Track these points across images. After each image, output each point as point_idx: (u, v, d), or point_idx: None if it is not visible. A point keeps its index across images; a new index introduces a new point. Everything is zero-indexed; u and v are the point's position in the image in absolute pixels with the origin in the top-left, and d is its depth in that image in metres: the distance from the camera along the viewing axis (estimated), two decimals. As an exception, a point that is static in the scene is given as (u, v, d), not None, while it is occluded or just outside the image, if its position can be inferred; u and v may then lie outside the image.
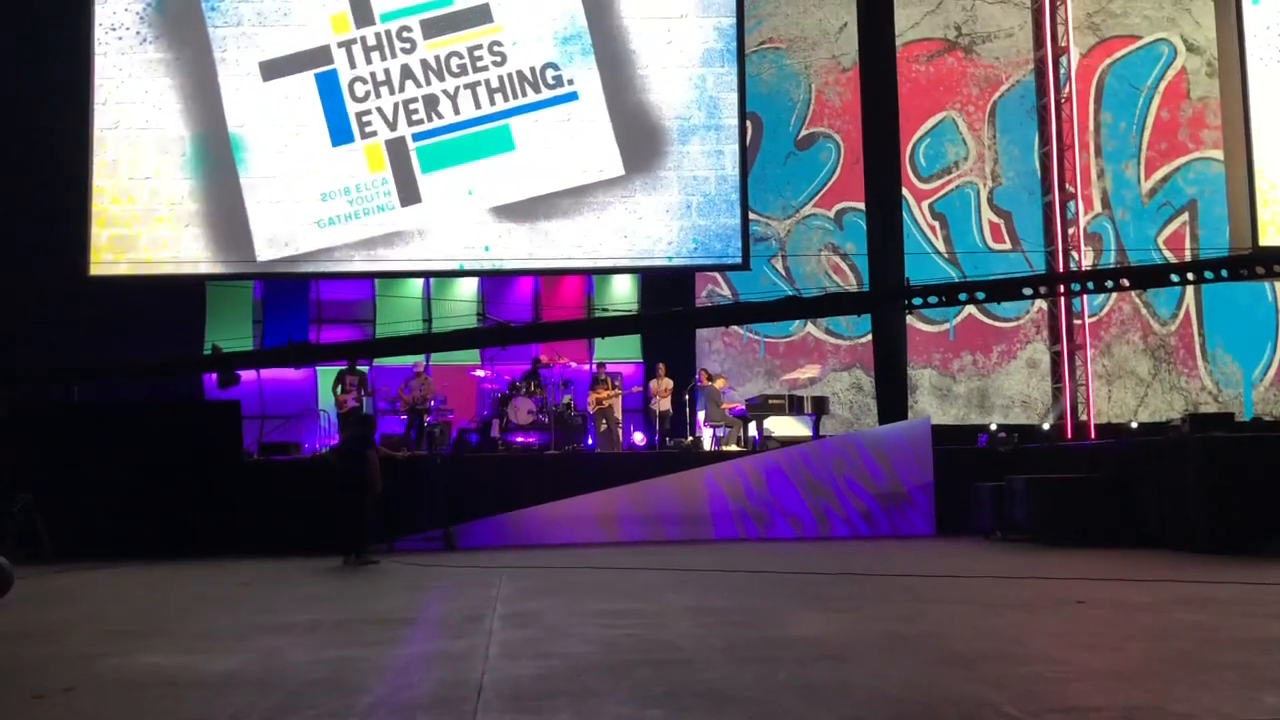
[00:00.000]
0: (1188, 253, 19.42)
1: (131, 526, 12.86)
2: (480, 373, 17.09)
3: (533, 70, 17.88)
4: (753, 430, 16.17)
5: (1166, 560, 9.90)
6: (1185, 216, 19.89)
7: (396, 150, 17.60)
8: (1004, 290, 12.50)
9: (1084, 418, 18.84)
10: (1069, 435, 18.42)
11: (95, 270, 17.21)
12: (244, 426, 14.54)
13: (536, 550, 12.76)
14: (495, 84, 17.81)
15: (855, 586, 8.63)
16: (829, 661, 5.15)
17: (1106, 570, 9.16)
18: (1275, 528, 10.35)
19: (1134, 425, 18.14)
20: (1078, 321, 19.16)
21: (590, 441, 16.00)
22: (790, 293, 18.40)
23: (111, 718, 4.24)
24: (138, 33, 17.63)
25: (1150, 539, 11.26)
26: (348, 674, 5.04)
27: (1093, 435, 18.30)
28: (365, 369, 16.41)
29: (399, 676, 5.16)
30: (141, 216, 17.37)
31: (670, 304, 17.71)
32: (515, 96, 17.80)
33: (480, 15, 17.91)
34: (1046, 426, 18.48)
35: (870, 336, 18.15)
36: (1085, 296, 18.59)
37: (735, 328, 18.61)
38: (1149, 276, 13.42)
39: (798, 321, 18.84)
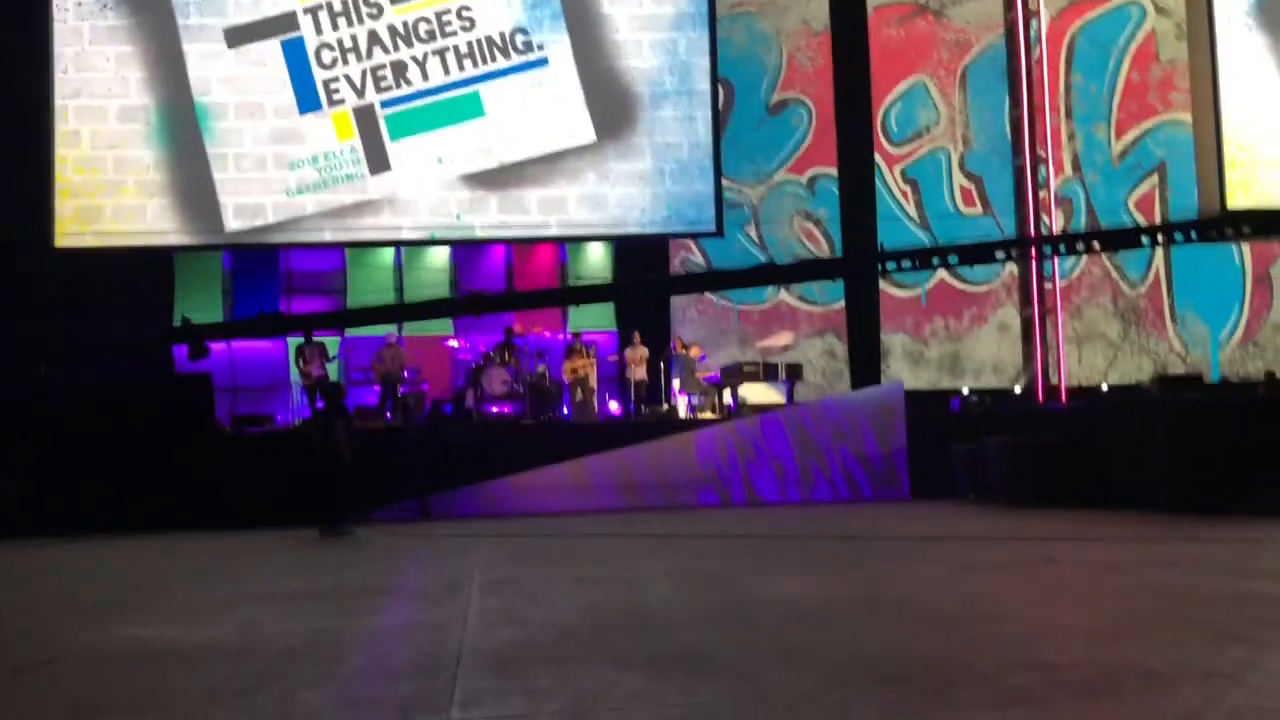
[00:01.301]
0: (1157, 215, 19.57)
1: (107, 500, 12.78)
2: (453, 343, 17.03)
3: (502, 36, 17.70)
4: (728, 398, 16.22)
5: (1135, 520, 10.05)
6: (1155, 179, 20.02)
7: (365, 118, 17.41)
8: (976, 254, 12.59)
9: (1055, 381, 19.00)
10: (1040, 398, 18.59)
11: (61, 242, 16.96)
12: (216, 399, 14.47)
13: (514, 519, 12.79)
14: (464, 50, 17.63)
15: (833, 549, 8.72)
16: (807, 624, 5.21)
17: (1077, 531, 9.30)
18: (1241, 487, 10.51)
19: (1104, 388, 18.34)
20: (1048, 285, 19.28)
21: (565, 411, 16.01)
22: (763, 260, 18.43)
23: (91, 690, 4.24)
24: (98, -2, 17.30)
25: (1120, 500, 11.41)
26: (327, 643, 5.06)
27: (1063, 398, 18.48)
28: (325, 339, 16.24)
29: (379, 645, 5.18)
30: (107, 187, 17.12)
31: (644, 272, 17.69)
32: (485, 62, 17.64)
33: (448, -20, 17.69)
34: (1018, 390, 18.64)
35: (843, 303, 18.22)
36: (1056, 260, 18.72)
37: (709, 295, 18.62)
38: (1119, 239, 13.53)
39: (771, 288, 18.87)
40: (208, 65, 17.29)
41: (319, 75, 17.38)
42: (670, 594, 6.37)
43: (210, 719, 3.73)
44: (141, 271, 17.16)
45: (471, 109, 17.57)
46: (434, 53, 17.55)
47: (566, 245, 18.65)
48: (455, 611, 5.84)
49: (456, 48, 17.61)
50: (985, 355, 19.56)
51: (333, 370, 15.98)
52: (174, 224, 17.19)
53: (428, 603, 6.50)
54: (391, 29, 17.50)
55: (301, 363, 15.70)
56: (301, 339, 15.87)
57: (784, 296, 19.09)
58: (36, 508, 12.54)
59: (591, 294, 16.25)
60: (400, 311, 16.22)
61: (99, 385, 13.83)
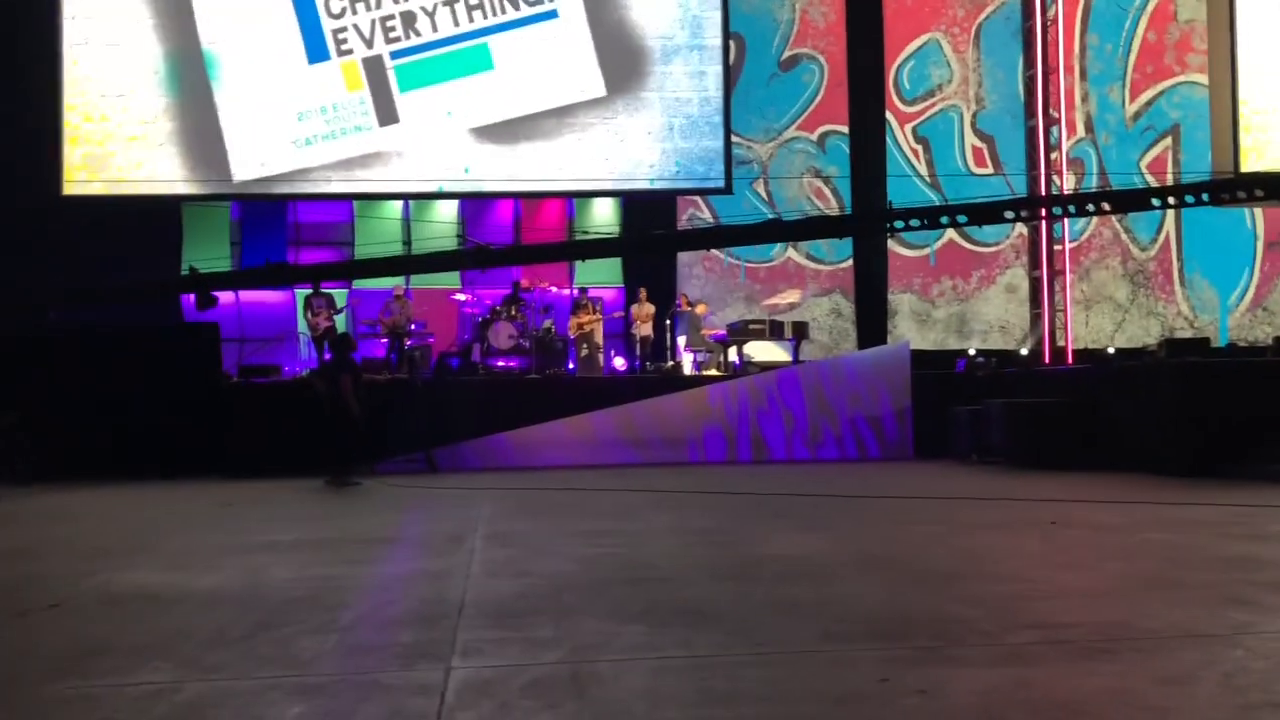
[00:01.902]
0: (1170, 177, 19.40)
1: (112, 448, 12.85)
2: (461, 297, 17.02)
3: (512, -13, 17.51)
4: (733, 355, 16.20)
5: (1139, 483, 10.04)
6: (1168, 141, 19.83)
7: (374, 69, 17.27)
8: (986, 213, 12.48)
9: (1062, 343, 18.96)
10: (1046, 360, 18.56)
11: (69, 190, 16.92)
12: (223, 349, 14.50)
13: (518, 473, 12.83)
14: (474, 1, 17.44)
15: (835, 508, 8.73)
16: (806, 580, 5.22)
17: (1080, 492, 9.30)
18: (1245, 451, 10.50)
19: (1111, 350, 18.28)
20: (1058, 247, 19.19)
21: (571, 366, 16.02)
22: (772, 217, 18.31)
23: (96, 633, 4.27)
24: (105, -56, 17.11)
25: (1124, 462, 11.40)
26: (330, 591, 5.09)
27: (1070, 360, 18.44)
28: (333, 291, 16.23)
29: (381, 594, 5.21)
30: (115, 135, 17.04)
31: (651, 228, 17.61)
32: (494, 14, 17.45)
33: (458, -71, 17.47)
34: (1024, 352, 18.60)
35: (851, 261, 18.14)
36: (1066, 221, 18.60)
37: (716, 252, 18.56)
38: (1130, 200, 13.38)
39: (778, 246, 18.79)
40: (216, 13, 17.13)
41: (328, 25, 17.22)
42: (672, 548, 6.39)
43: (214, 663, 3.75)
44: (150, 220, 17.13)
45: (480, 61, 17.41)
46: (443, 3, 17.37)
47: (574, 200, 18.58)
48: (458, 562, 5.86)
49: (466, -2, 17.43)
50: (992, 316, 19.51)
51: (340, 322, 15.98)
52: (182, 173, 17.13)
53: (431, 553, 6.53)
54: (401, -22, 17.31)
55: (310, 314, 15.70)
56: (310, 290, 15.87)
57: (791, 254, 19.02)
58: (43, 454, 12.60)
59: (598, 248, 16.17)
60: (407, 263, 16.17)
61: (106, 332, 13.85)
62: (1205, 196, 10.98)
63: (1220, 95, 19.43)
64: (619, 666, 3.61)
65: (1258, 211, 19.84)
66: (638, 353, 16.63)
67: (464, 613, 4.48)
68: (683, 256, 18.58)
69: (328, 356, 13.16)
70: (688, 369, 15.99)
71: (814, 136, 19.17)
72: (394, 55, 17.29)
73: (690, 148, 17.70)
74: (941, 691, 3.24)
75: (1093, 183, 19.35)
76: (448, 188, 17.64)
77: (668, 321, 16.62)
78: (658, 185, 17.77)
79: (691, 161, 17.70)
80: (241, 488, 11.41)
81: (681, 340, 16.33)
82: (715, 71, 17.76)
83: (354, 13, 17.25)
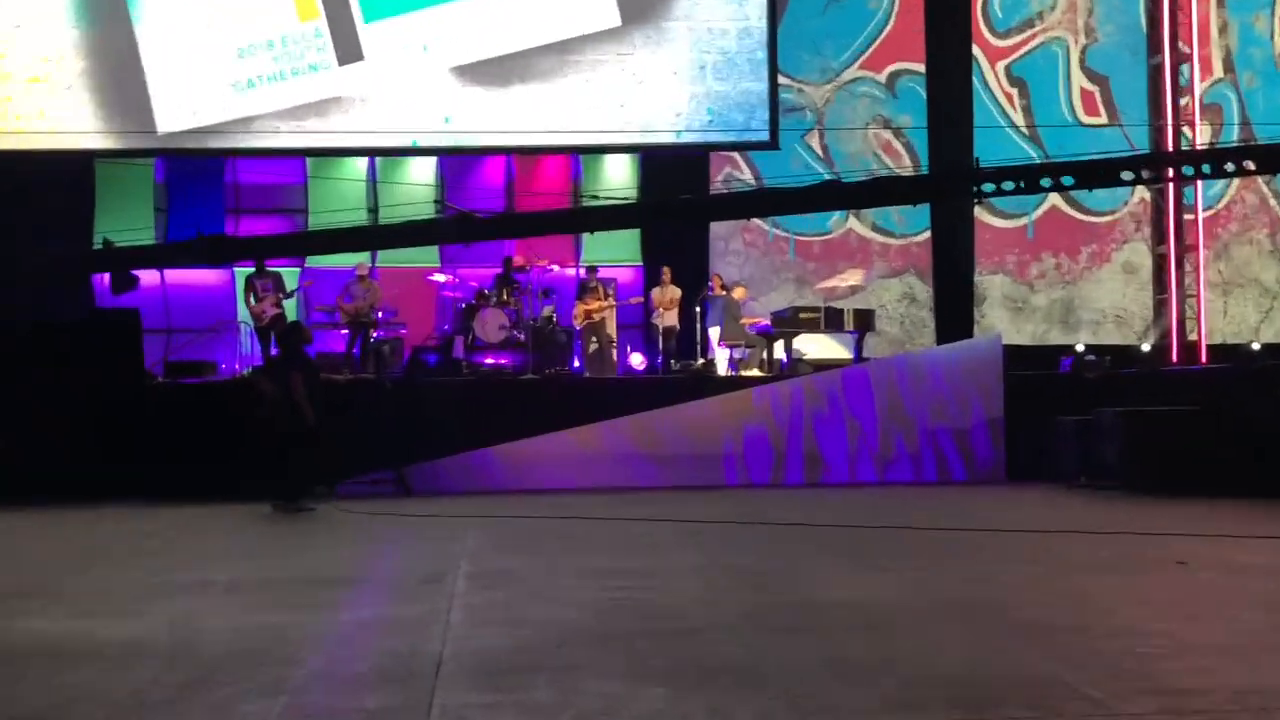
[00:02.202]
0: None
1: (10, 466, 12.91)
2: (440, 277, 17.07)
3: (505, -111, 17.56)
4: (779, 351, 16.19)
5: (1290, 513, 10.00)
6: (1330, 82, 19.72)
7: (332, -7, 17.35)
8: (1097, 174, 12.45)
9: (1193, 336, 18.87)
10: (1174, 358, 18.48)
11: (-46, 144, 17.08)
12: (145, 341, 14.57)
13: (510, 496, 12.87)
14: (457, -91, 17.50)
15: (906, 542, 8.73)
16: (871, 633, 5.23)
17: (1217, 525, 9.26)
18: None
19: (1256, 346, 18.20)
20: (1189, 216, 19.10)
21: (576, 364, 16.05)
22: (829, 177, 18.28)
23: (-13, 695, 4.31)
24: None
25: (1271, 487, 11.34)
26: (277, 643, 5.12)
27: (1204, 358, 18.35)
28: (281, 270, 16.26)
29: (341, 647, 5.24)
30: (11, 75, 17.15)
31: (677, 192, 17.59)
32: (482, -75, 17.50)
33: None
34: (1146, 348, 18.54)
35: (928, 234, 18.08)
36: (1200, 183, 18.50)
37: (759, 222, 18.54)
38: (1280, 159, 13.35)
39: (838, 215, 18.76)
40: (137, -76, 17.24)
41: (275, -61, 17.31)
42: (700, 592, 6.41)
43: (132, 732, 3.78)
44: (54, 182, 17.22)
45: (465, -17, 17.46)
46: (419, -89, 17.42)
47: (581, 158, 18.59)
48: (436, 608, 5.90)
49: (446, -94, 17.48)
50: (1106, 303, 19.45)
51: (290, 308, 16.06)
52: (94, 123, 17.22)
53: (403, 597, 6.58)
54: (365, -120, 17.37)
55: (252, 299, 15.78)
56: (252, 269, 15.95)
57: (853, 225, 19.02)
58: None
59: (611, 217, 16.17)
60: (373, 236, 16.24)
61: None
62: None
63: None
64: (635, 739, 3.62)
65: None
66: (660, 348, 16.64)
67: (443, 670, 4.50)
68: (716, 228, 18.59)
69: (275, 351, 13.23)
70: (722, 368, 16.00)
71: (882, 77, 19.14)
72: (357, -24, 17.36)
73: (726, 91, 17.69)
74: (1038, 773, 3.24)
75: (1233, 135, 19.25)
76: (423, 142, 17.70)
77: (697, 309, 16.62)
78: (685, 138, 17.79)
79: (728, 109, 17.69)
80: (166, 514, 11.48)
81: (714, 332, 16.34)
82: (758, -5, 17.76)
83: (307, -77, 17.32)
